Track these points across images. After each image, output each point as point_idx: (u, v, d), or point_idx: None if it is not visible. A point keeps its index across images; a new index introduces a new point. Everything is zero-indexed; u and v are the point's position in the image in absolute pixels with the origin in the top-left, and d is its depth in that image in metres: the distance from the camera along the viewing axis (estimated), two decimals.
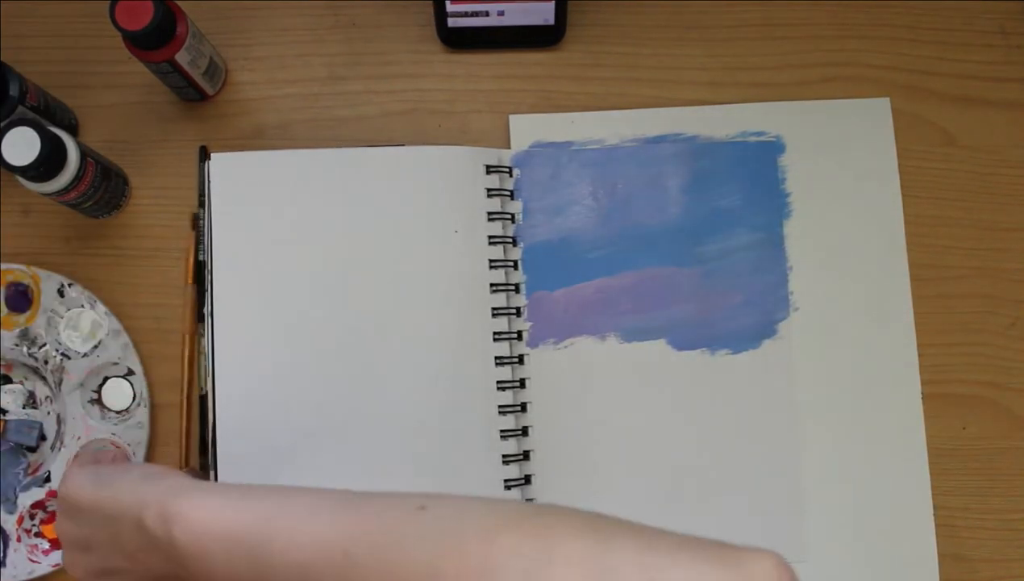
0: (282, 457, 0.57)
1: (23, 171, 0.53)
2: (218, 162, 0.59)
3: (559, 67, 0.64)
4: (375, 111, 0.64)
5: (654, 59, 0.64)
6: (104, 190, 0.59)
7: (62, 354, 0.60)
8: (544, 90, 0.64)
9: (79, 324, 0.60)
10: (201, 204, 0.61)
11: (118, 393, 0.60)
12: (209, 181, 0.59)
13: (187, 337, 0.61)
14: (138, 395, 0.60)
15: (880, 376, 0.61)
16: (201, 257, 0.61)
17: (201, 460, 0.59)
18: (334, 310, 0.58)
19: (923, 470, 0.60)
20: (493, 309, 0.60)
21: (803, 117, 0.63)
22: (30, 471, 0.60)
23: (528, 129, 0.63)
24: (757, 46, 0.65)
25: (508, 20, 0.62)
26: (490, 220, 0.60)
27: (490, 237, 0.60)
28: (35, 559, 0.58)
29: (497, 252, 0.60)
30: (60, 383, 0.60)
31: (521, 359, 0.60)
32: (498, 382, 0.59)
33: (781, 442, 0.60)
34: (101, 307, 0.60)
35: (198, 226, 0.61)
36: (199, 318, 0.61)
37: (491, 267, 0.60)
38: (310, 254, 0.59)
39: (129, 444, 0.59)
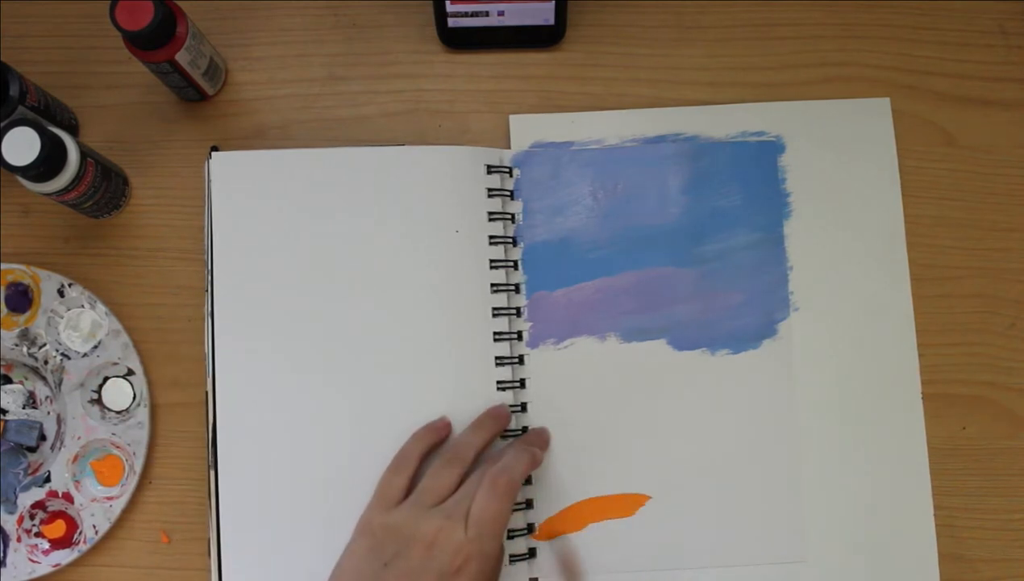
0: (283, 456, 0.57)
1: (23, 171, 0.53)
2: (218, 162, 0.59)
3: (559, 67, 0.64)
4: (375, 111, 0.64)
5: (654, 59, 0.64)
6: (104, 190, 0.59)
7: (62, 354, 0.60)
8: (544, 90, 0.64)
9: (79, 324, 0.60)
10: None
11: (118, 393, 0.60)
12: (209, 181, 0.59)
13: None
14: (138, 395, 0.60)
15: (880, 376, 0.61)
16: None
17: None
18: (334, 309, 0.58)
19: (923, 470, 0.60)
20: (493, 309, 0.60)
21: (803, 117, 0.63)
22: (30, 471, 0.60)
23: (528, 129, 0.63)
24: (757, 46, 0.65)
25: (508, 20, 0.62)
26: (491, 220, 0.60)
27: (491, 237, 0.60)
28: (35, 559, 0.58)
29: (497, 252, 0.60)
30: (60, 383, 0.60)
31: (521, 359, 0.60)
32: (498, 382, 0.59)
33: (781, 442, 0.60)
34: (101, 307, 0.60)
35: None
36: None
37: (491, 267, 0.60)
38: (310, 253, 0.59)
39: (129, 444, 0.59)
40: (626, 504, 0.60)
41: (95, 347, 0.60)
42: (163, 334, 0.61)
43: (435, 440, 0.57)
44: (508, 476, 0.52)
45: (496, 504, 0.51)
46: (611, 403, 0.60)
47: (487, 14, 0.61)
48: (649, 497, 0.60)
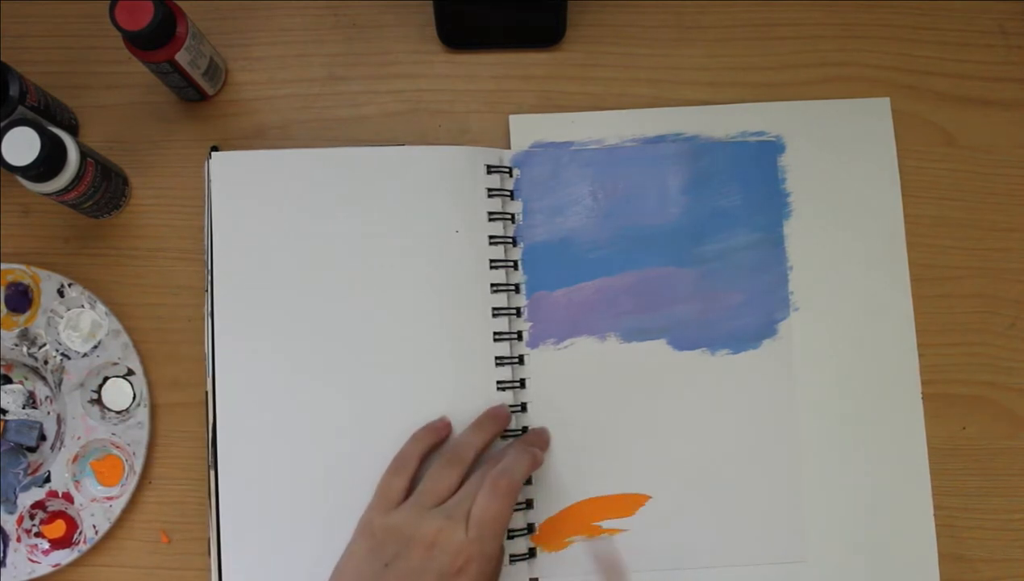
0: (283, 456, 0.57)
1: (23, 171, 0.53)
2: (218, 161, 0.59)
3: (559, 67, 0.64)
4: (375, 111, 0.64)
5: (654, 59, 0.64)
6: (104, 190, 0.59)
7: (62, 354, 0.60)
8: (544, 90, 0.64)
9: (79, 324, 0.60)
10: None
11: (118, 393, 0.60)
12: (209, 181, 0.59)
13: None
14: (138, 395, 0.60)
15: (880, 376, 0.61)
16: None
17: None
18: (334, 309, 0.58)
19: (923, 470, 0.60)
20: (493, 309, 0.60)
21: (803, 117, 0.63)
22: (30, 471, 0.60)
23: (528, 129, 0.63)
24: (757, 46, 0.65)
25: (508, 20, 0.62)
26: (491, 220, 0.60)
27: (491, 237, 0.60)
28: (35, 559, 0.58)
29: (497, 252, 0.60)
30: (60, 383, 0.60)
31: (521, 359, 0.60)
32: (498, 382, 0.59)
33: (781, 442, 0.60)
34: (101, 307, 0.60)
35: None
36: None
37: (491, 267, 0.60)
38: (310, 254, 0.59)
39: (129, 444, 0.59)
40: (626, 504, 0.60)
41: (95, 347, 0.60)
42: (163, 334, 0.61)
43: (435, 441, 0.57)
44: (509, 477, 0.52)
45: (497, 505, 0.51)
46: (611, 403, 0.60)
47: (488, 14, 0.61)
48: (649, 497, 0.60)
